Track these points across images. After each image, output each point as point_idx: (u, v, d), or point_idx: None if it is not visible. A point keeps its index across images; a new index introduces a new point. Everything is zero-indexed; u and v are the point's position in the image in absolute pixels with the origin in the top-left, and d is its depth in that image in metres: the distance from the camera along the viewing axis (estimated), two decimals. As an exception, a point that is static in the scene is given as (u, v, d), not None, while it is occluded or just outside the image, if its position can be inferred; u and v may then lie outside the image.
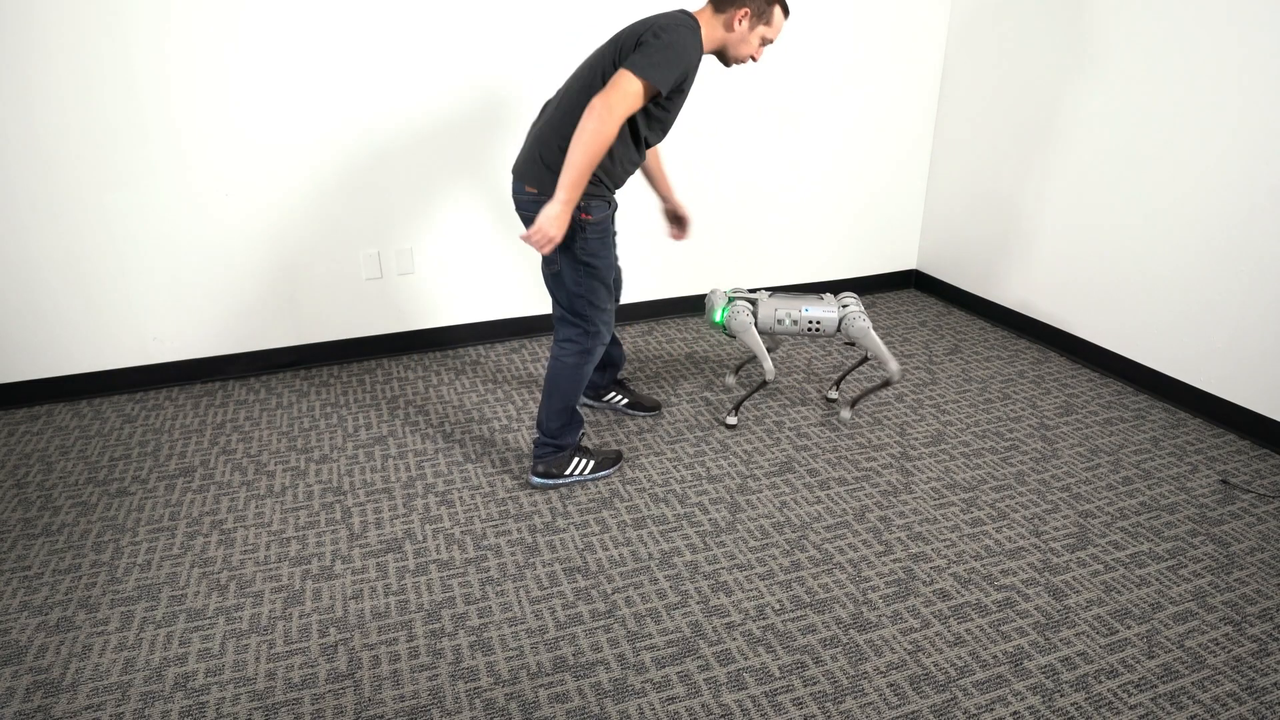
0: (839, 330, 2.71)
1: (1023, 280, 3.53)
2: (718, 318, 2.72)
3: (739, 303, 2.72)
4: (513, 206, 3.31)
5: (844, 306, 2.73)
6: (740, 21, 2.13)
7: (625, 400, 2.91)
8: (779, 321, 2.71)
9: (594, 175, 2.15)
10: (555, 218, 2.02)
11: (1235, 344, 2.73)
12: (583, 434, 2.53)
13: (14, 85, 2.59)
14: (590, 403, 2.94)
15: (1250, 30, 2.54)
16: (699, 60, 2.09)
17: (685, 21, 2.09)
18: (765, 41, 2.19)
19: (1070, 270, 3.29)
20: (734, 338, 2.71)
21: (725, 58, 2.22)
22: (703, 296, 3.80)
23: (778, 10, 2.16)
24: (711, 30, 2.16)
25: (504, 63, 3.08)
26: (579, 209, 2.15)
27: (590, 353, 2.36)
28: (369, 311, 3.27)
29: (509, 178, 3.27)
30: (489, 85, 3.10)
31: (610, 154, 2.16)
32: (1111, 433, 2.77)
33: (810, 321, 2.69)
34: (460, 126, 3.12)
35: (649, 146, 2.29)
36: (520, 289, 3.47)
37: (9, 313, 2.83)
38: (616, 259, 2.38)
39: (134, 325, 2.99)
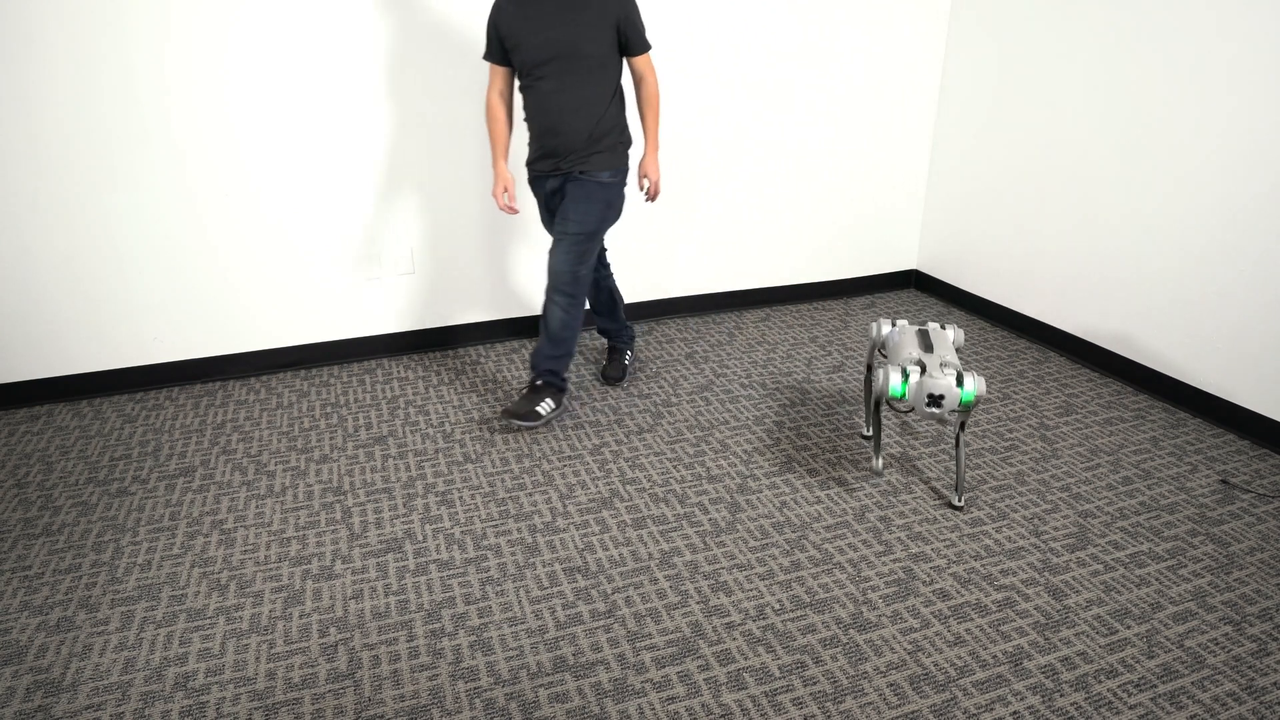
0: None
1: (1022, 280, 3.53)
2: (899, 390, 2.21)
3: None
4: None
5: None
6: None
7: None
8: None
9: None
10: None
11: (1235, 344, 2.73)
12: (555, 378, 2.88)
13: (13, 86, 2.59)
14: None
15: (1248, 31, 2.54)
16: (497, 18, 2.49)
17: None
18: None
19: (1070, 270, 3.29)
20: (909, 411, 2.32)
21: None
22: (702, 297, 3.80)
23: None
24: None
25: (504, 63, 3.09)
26: None
27: None
28: (369, 311, 3.27)
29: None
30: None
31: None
32: (1111, 433, 2.77)
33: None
34: (461, 126, 3.12)
35: (525, 104, 2.60)
36: (520, 289, 3.47)
37: (9, 313, 2.83)
38: (550, 228, 2.78)
39: (134, 325, 2.99)
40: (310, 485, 2.47)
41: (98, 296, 2.91)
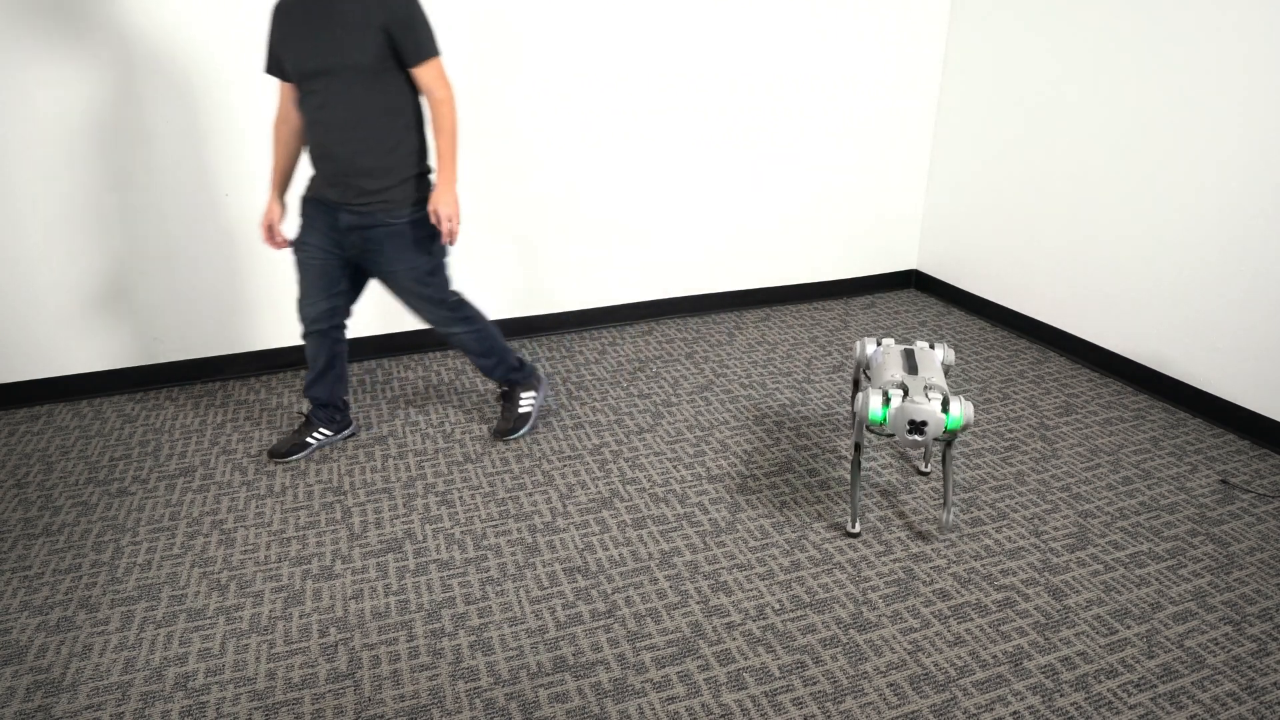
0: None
1: (1022, 280, 3.53)
2: (879, 415, 2.07)
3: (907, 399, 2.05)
4: (513, 204, 3.32)
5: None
6: None
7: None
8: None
9: None
10: None
11: (1235, 344, 2.73)
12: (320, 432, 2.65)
13: (14, 85, 2.59)
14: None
15: (1252, 34, 2.54)
16: (269, 26, 2.22)
17: None
18: None
19: (1070, 270, 3.29)
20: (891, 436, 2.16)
21: None
22: (702, 297, 3.80)
23: None
24: None
25: (506, 62, 3.08)
26: None
27: None
28: (369, 311, 3.27)
29: (508, 178, 3.27)
30: (489, 85, 3.10)
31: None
32: (1111, 433, 2.77)
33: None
34: (460, 126, 3.12)
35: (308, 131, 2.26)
36: (520, 288, 3.47)
37: (9, 313, 2.83)
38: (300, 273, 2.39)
39: (134, 325, 2.99)
40: (310, 485, 2.47)
41: (98, 296, 2.90)
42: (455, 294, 2.46)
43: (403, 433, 2.77)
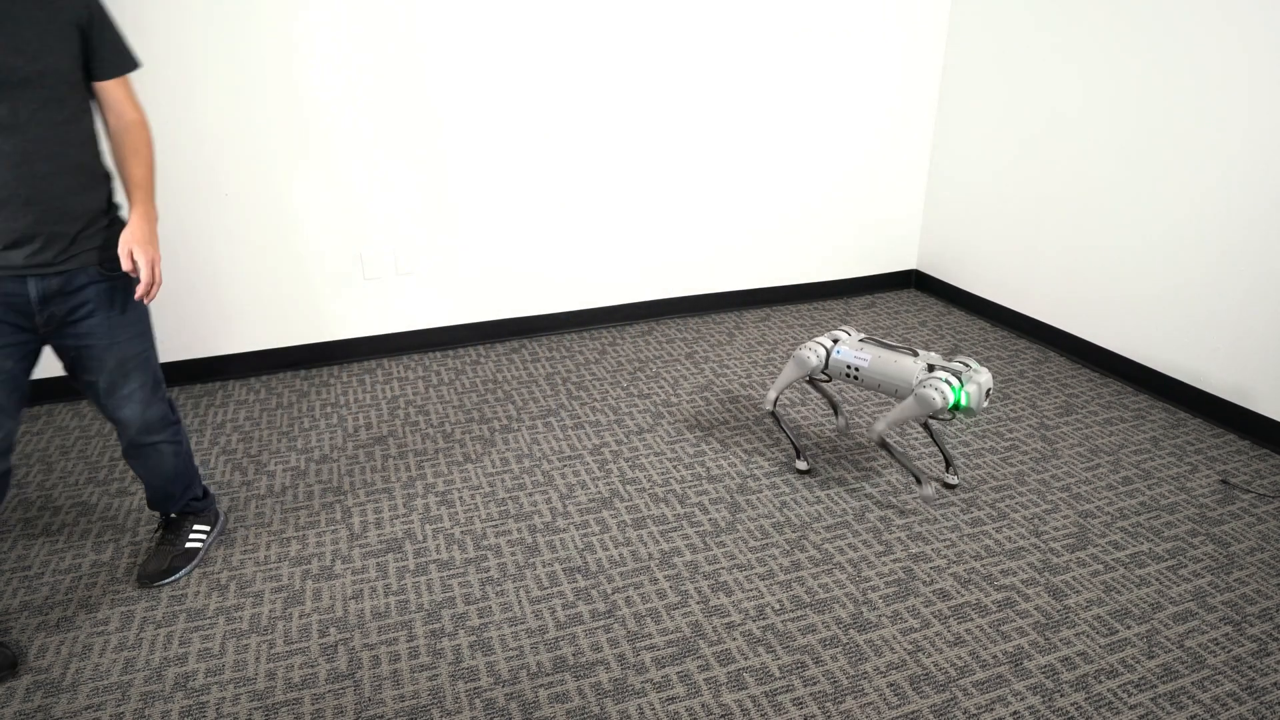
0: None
1: (1022, 280, 3.53)
2: (961, 399, 2.15)
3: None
4: (513, 204, 3.31)
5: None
6: None
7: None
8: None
9: None
10: None
11: (1235, 344, 2.73)
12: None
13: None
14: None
15: (1255, 35, 2.54)
16: None
17: None
18: None
19: (1070, 270, 3.29)
20: (968, 416, 2.24)
21: None
22: (702, 297, 3.79)
23: None
24: None
25: (506, 62, 3.09)
26: None
27: None
28: (369, 311, 3.28)
29: (508, 178, 3.27)
30: (489, 85, 3.10)
31: None
32: (1111, 433, 2.77)
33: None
34: (461, 126, 3.12)
35: None
36: (520, 289, 3.47)
37: (9, 313, 2.83)
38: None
39: (134, 325, 2.98)
40: (310, 485, 2.47)
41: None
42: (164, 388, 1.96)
43: (403, 433, 2.77)
